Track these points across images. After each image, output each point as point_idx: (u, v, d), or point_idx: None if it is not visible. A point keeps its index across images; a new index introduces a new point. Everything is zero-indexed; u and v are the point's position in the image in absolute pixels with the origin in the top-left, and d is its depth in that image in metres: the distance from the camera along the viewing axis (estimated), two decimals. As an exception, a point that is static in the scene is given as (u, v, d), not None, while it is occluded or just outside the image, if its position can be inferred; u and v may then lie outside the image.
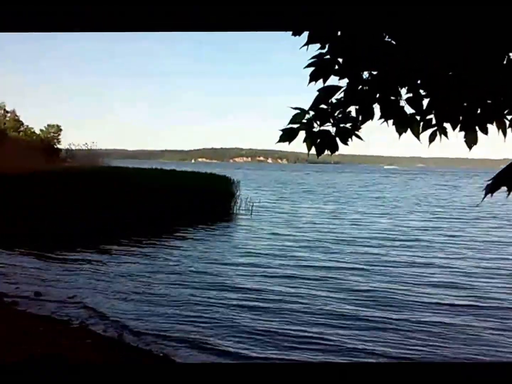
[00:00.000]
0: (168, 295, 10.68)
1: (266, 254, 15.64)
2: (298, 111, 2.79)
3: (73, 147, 36.94)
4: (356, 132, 2.84)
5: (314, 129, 2.80)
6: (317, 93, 2.74)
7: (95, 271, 12.76)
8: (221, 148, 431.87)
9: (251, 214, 26.46)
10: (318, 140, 2.81)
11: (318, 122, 2.79)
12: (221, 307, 9.92)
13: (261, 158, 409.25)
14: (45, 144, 37.14)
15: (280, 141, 2.82)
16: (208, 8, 2.53)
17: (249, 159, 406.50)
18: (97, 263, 13.72)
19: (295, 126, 2.80)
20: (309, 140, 2.81)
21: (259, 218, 25.28)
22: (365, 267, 14.03)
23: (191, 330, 8.51)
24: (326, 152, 2.90)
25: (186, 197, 22.99)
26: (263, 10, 2.42)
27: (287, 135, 2.81)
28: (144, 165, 37.33)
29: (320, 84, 2.70)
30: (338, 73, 2.64)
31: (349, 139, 2.85)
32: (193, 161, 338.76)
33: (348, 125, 2.82)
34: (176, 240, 18.04)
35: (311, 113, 2.79)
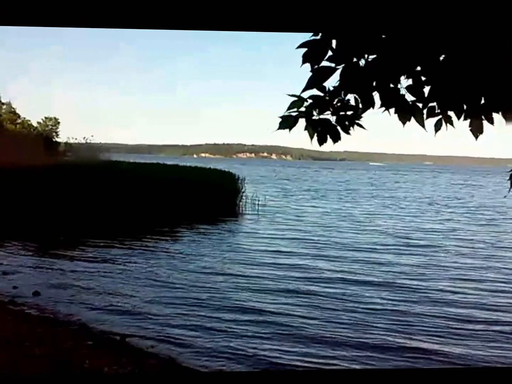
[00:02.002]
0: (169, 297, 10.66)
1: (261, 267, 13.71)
2: (295, 98, 2.72)
3: (72, 141, 36.92)
4: (358, 121, 2.79)
5: (314, 117, 2.76)
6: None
7: (95, 271, 12.73)
8: (224, 144, 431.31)
9: (257, 213, 26.37)
10: (319, 129, 2.76)
11: (317, 110, 2.74)
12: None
13: (265, 154, 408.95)
14: (43, 137, 37.12)
15: (280, 128, 2.75)
16: (211, 6, 2.47)
17: (253, 155, 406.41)
18: (95, 262, 13.70)
19: (294, 113, 2.74)
20: (310, 128, 2.75)
21: (264, 218, 25.01)
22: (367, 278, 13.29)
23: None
24: (329, 141, 2.86)
25: (188, 194, 22.95)
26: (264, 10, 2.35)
27: (286, 123, 2.74)
28: (144, 159, 37.38)
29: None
30: (332, 59, 2.53)
31: (351, 128, 2.79)
32: (194, 156, 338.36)
33: (348, 113, 2.77)
34: (175, 239, 18.02)
35: (309, 100, 2.74)
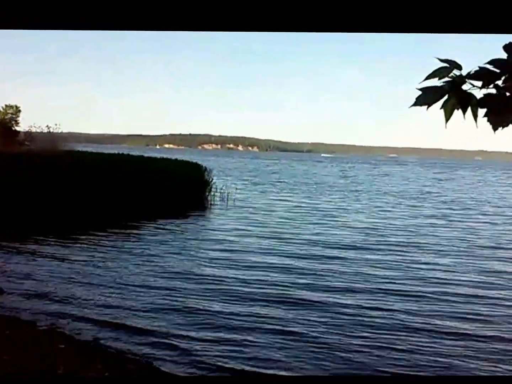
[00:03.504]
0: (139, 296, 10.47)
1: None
2: (445, 64, 2.06)
3: (35, 130, 36.06)
4: None
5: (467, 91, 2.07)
6: None
7: (60, 265, 12.39)
8: (189, 134, 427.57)
9: (226, 208, 26.14)
10: (485, 110, 2.05)
11: (474, 83, 2.05)
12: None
13: (231, 146, 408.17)
14: (2, 126, 36.13)
15: (416, 104, 2.08)
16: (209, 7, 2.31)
17: (219, 146, 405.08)
18: (59, 256, 13.33)
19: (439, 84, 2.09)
20: (451, 105, 2.07)
21: (232, 212, 24.67)
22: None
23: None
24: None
25: (154, 186, 22.45)
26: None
27: (429, 96, 2.08)
28: (107, 149, 36.84)
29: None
30: None
31: None
32: (157, 146, 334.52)
33: None
34: (138, 234, 17.64)
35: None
